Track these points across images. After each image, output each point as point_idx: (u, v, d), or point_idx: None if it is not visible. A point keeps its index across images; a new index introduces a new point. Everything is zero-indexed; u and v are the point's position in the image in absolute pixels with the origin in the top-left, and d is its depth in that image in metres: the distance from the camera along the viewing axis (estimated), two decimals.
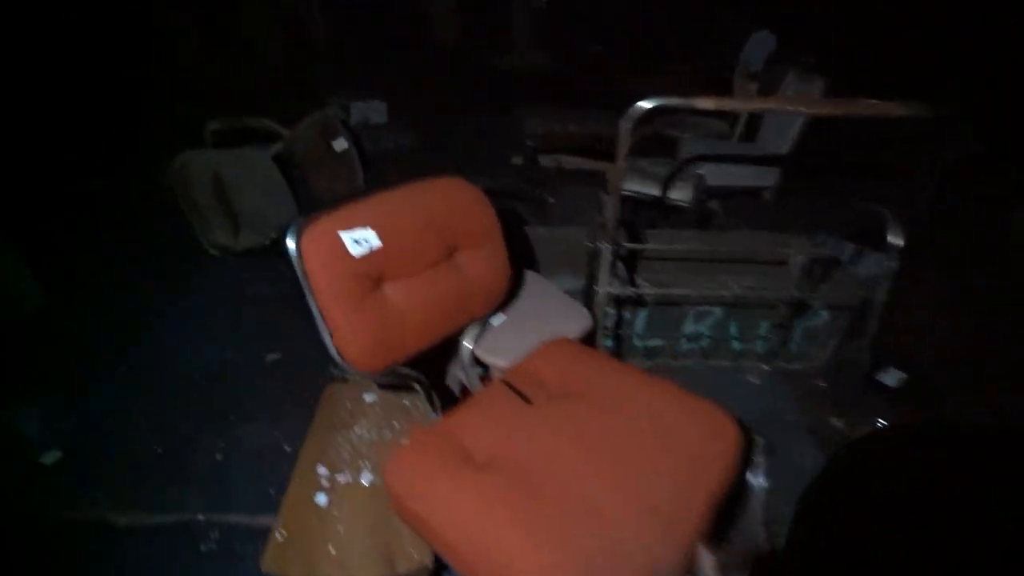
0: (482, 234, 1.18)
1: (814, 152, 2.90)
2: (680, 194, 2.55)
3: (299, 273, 0.97)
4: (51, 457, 1.66)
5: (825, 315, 1.88)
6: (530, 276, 1.55)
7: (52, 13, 3.64)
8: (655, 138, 3.24)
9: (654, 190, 2.47)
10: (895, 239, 1.37)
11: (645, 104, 1.11)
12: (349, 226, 0.98)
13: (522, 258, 1.42)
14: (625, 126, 1.14)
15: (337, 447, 1.34)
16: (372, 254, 0.99)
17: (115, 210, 3.10)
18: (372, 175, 2.65)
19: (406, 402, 1.45)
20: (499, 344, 1.29)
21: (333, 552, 1.10)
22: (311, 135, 2.65)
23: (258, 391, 1.93)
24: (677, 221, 2.64)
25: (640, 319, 1.87)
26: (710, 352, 1.99)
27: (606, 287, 1.42)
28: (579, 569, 0.81)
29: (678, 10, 5.72)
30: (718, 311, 1.87)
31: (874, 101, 1.04)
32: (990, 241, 2.86)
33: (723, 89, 4.40)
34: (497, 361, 1.25)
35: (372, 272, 1.02)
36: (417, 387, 1.18)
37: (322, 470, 1.28)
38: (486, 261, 1.20)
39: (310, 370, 1.93)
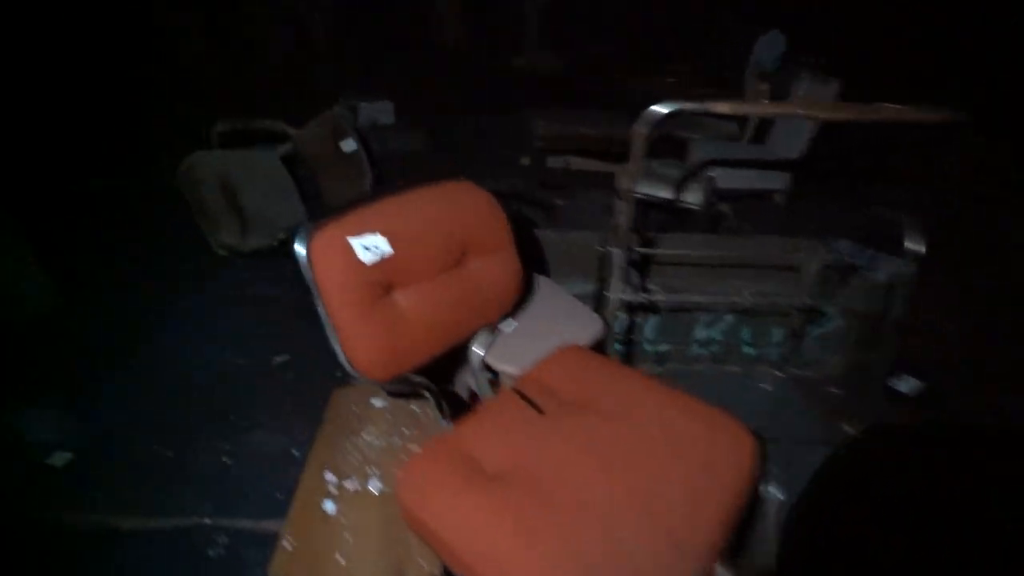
0: (493, 239, 1.16)
1: (825, 155, 2.88)
2: (691, 197, 2.52)
3: (308, 280, 0.95)
4: (60, 459, 1.66)
5: (840, 321, 1.85)
6: (540, 281, 1.53)
7: (54, 14, 3.65)
8: (664, 139, 3.21)
9: (665, 193, 2.44)
10: (914, 245, 1.34)
11: (661, 109, 1.09)
12: (359, 232, 0.97)
13: (532, 262, 1.40)
14: (640, 131, 1.12)
15: (345, 453, 1.33)
16: (383, 261, 0.98)
17: (120, 210, 3.12)
18: (380, 176, 2.64)
19: (415, 408, 1.44)
20: (509, 351, 1.28)
21: (342, 562, 1.09)
22: (320, 136, 2.64)
23: (265, 394, 1.93)
24: (687, 223, 2.62)
25: (650, 324, 1.84)
26: (721, 357, 1.96)
27: (618, 293, 1.40)
28: None
29: (681, 10, 5.68)
30: (730, 316, 1.84)
31: (897, 106, 1.01)
32: (990, 241, 2.82)
33: (729, 88, 4.39)
34: (508, 368, 1.24)
35: (382, 279, 1.00)
36: (427, 394, 1.16)
37: (330, 476, 1.26)
38: (497, 266, 1.18)
39: (317, 372, 1.93)
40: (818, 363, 1.97)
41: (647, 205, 2.57)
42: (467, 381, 1.44)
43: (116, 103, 3.91)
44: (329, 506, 1.20)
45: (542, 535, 0.86)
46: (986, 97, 3.61)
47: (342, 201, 2.50)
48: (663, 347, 1.91)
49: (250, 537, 1.44)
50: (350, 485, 1.24)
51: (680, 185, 2.42)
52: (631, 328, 1.80)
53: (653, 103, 1.13)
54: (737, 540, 1.03)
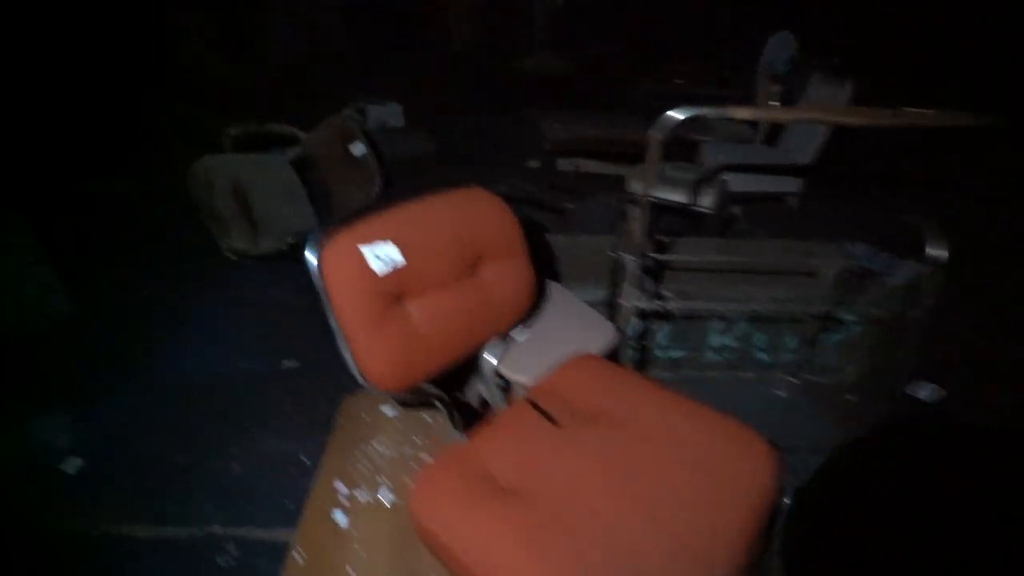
0: (506, 247, 1.15)
1: (838, 158, 2.84)
2: (703, 201, 2.49)
3: (319, 290, 0.94)
4: (72, 465, 1.66)
5: (857, 328, 1.82)
6: (552, 287, 1.51)
7: (62, 14, 3.64)
8: (675, 141, 3.18)
9: (679, 197, 2.41)
10: (937, 251, 1.31)
11: (677, 115, 1.06)
12: (370, 240, 0.95)
13: (543, 268, 1.38)
14: (656, 136, 1.10)
15: (355, 462, 1.31)
16: (394, 271, 0.96)
17: (129, 213, 3.13)
18: (389, 179, 2.63)
19: (426, 416, 1.42)
20: (522, 360, 1.26)
21: (353, 575, 1.07)
22: (329, 139, 2.64)
23: (276, 400, 1.92)
24: (698, 227, 2.59)
25: (664, 330, 1.82)
26: (735, 364, 1.93)
27: (632, 301, 1.38)
28: None
29: (688, 11, 5.64)
30: (744, 323, 1.81)
31: (923, 111, 0.99)
32: (990, 241, 2.78)
33: (735, 89, 4.36)
34: (521, 378, 1.22)
35: (394, 289, 0.99)
36: (438, 404, 1.14)
37: (340, 486, 1.25)
38: (510, 275, 1.16)
39: (327, 378, 1.92)
40: (834, 369, 1.94)
41: (659, 209, 2.54)
42: (478, 389, 1.43)
43: (124, 104, 3.90)
44: (340, 517, 1.18)
45: (556, 552, 0.84)
46: (986, 97, 3.57)
47: (352, 206, 2.52)
48: (676, 354, 1.88)
49: (260, 546, 1.43)
50: (361, 496, 1.23)
51: (694, 189, 2.39)
52: (644, 334, 1.77)
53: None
54: (760, 554, 1.00)
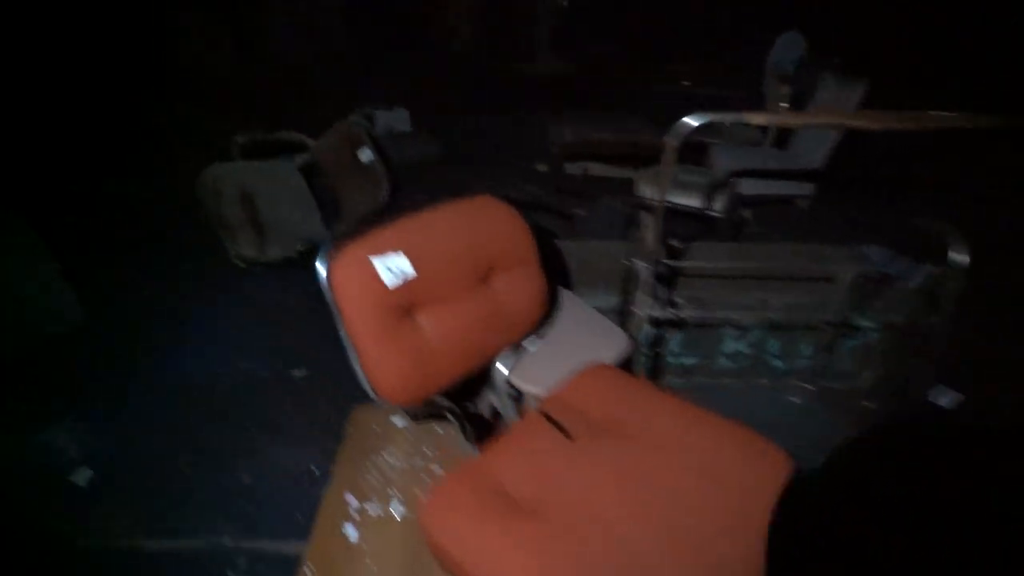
0: (518, 256, 1.13)
1: (848, 160, 2.80)
2: (713, 205, 2.46)
3: (329, 302, 0.93)
4: (83, 476, 1.66)
5: (874, 334, 1.78)
6: (564, 295, 1.49)
7: (70, 18, 3.63)
8: (684, 144, 3.15)
9: (688, 200, 2.38)
10: (959, 256, 1.27)
11: (692, 121, 1.04)
12: (381, 252, 0.94)
13: (554, 275, 1.36)
14: (671, 143, 1.08)
15: (366, 474, 1.30)
16: (405, 283, 0.95)
17: (137, 218, 3.12)
18: (397, 185, 2.62)
19: (436, 427, 1.41)
20: (534, 370, 1.24)
21: None
22: (337, 146, 2.64)
23: (286, 408, 1.91)
24: (708, 230, 2.55)
25: (676, 337, 1.79)
26: (749, 370, 1.90)
27: (646, 309, 1.35)
28: None
29: (694, 12, 5.61)
30: (758, 329, 1.78)
31: (947, 114, 0.96)
32: (990, 241, 2.74)
33: (742, 89, 4.33)
34: (533, 389, 1.20)
35: (405, 302, 0.97)
36: (450, 416, 1.13)
37: (351, 500, 1.24)
38: (522, 284, 1.14)
39: (337, 386, 1.91)
40: (850, 375, 1.90)
41: (670, 213, 2.51)
42: (489, 399, 1.41)
43: (124, 104, 3.86)
44: (351, 532, 1.17)
45: (569, 569, 0.82)
46: (986, 97, 3.53)
47: (360, 211, 2.51)
48: (689, 360, 1.85)
49: (271, 559, 1.42)
50: (372, 509, 1.21)
51: (704, 193, 2.36)
52: (657, 342, 1.75)
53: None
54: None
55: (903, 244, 1.81)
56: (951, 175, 3.38)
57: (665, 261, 1.48)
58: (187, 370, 2.09)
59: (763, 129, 3.28)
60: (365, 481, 1.27)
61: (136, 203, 3.23)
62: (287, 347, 2.18)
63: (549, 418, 1.09)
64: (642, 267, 1.34)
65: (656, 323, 1.49)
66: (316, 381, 2.03)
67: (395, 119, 4.10)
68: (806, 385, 1.90)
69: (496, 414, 1.40)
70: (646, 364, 1.79)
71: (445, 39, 6.00)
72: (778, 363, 1.89)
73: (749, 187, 2.78)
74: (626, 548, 0.86)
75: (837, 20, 4.44)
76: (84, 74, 3.73)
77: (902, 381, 1.76)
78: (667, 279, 1.59)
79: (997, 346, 2.04)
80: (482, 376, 1.27)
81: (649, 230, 1.26)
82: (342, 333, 0.93)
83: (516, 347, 1.26)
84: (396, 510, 1.22)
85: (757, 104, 3.77)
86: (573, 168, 3.67)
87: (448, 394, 1.12)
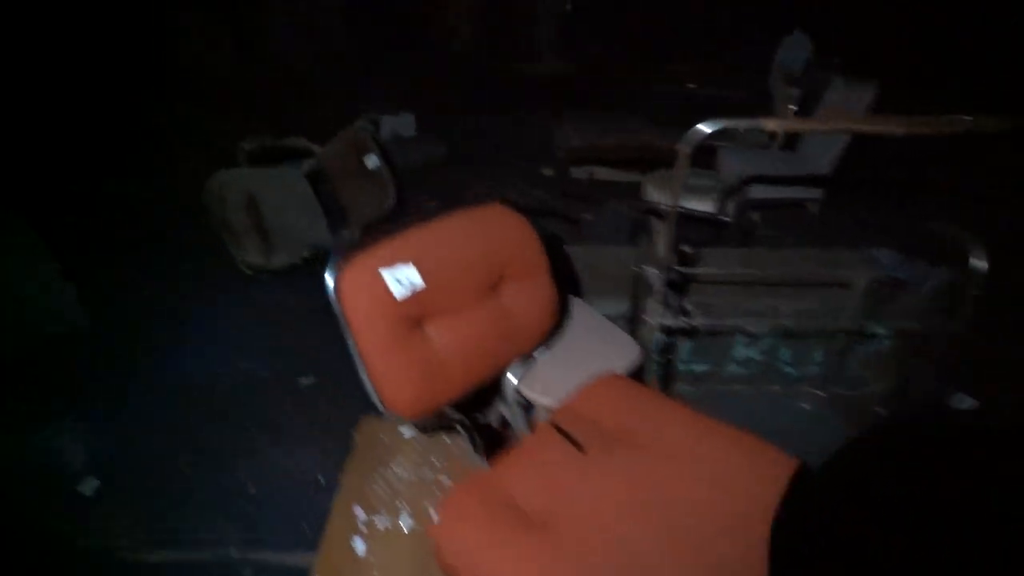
0: (528, 266, 1.11)
1: (858, 163, 2.77)
2: (722, 209, 2.44)
3: (337, 314, 0.91)
4: (89, 486, 1.65)
5: (887, 340, 1.75)
6: (574, 303, 1.47)
7: (71, 19, 3.61)
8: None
9: (697, 205, 2.36)
10: (978, 262, 1.25)
11: (706, 128, 1.02)
12: (391, 263, 0.92)
13: (563, 281, 1.34)
14: (684, 149, 1.06)
15: (374, 486, 1.28)
16: (414, 294, 0.93)
17: (140, 220, 3.12)
18: (402, 190, 2.61)
19: (444, 437, 1.39)
20: (545, 380, 1.22)
21: None
22: (343, 152, 2.63)
23: (292, 416, 1.90)
24: (716, 235, 2.53)
25: (686, 344, 1.77)
26: (760, 377, 1.87)
27: (657, 318, 1.33)
28: None
29: (689, 10, 5.57)
30: (766, 331, 1.76)
31: (966, 118, 0.93)
32: (990, 241, 2.70)
33: (746, 89, 4.29)
34: (543, 400, 1.18)
35: (414, 313, 0.95)
36: (460, 428, 1.11)
37: (359, 512, 1.22)
38: (532, 294, 1.12)
39: (344, 394, 1.90)
40: (863, 382, 1.87)
41: (680, 218, 2.49)
42: (499, 409, 1.39)
43: (124, 105, 3.83)
44: (359, 545, 1.15)
45: None
46: (986, 97, 3.50)
47: (366, 216, 2.50)
48: (700, 367, 1.83)
49: (277, 571, 1.40)
50: (380, 522, 1.20)
51: (713, 197, 2.34)
52: (668, 349, 1.72)
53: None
54: None
55: (914, 248, 1.78)
56: (954, 176, 3.34)
57: (677, 268, 1.45)
58: (189, 373, 2.09)
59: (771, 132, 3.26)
60: (373, 493, 1.26)
61: (136, 203, 3.22)
62: (293, 353, 2.17)
63: (560, 430, 1.07)
64: (653, 274, 1.32)
65: (667, 331, 1.47)
66: (323, 388, 2.02)
67: (400, 124, 4.10)
68: (818, 392, 1.87)
69: (505, 423, 1.38)
70: (657, 372, 1.77)
71: (446, 39, 5.98)
72: (790, 369, 1.86)
73: (758, 191, 2.75)
74: (638, 562, 0.85)
75: (837, 20, 4.41)
76: (84, 74, 3.71)
77: (917, 387, 1.73)
78: (678, 286, 1.56)
79: (997, 346, 2.03)
80: (492, 387, 1.25)
81: (660, 236, 1.24)
82: (350, 345, 0.92)
83: (526, 357, 1.24)
84: (404, 523, 1.20)
85: (760, 104, 3.75)
86: (578, 172, 3.66)
87: (457, 405, 1.10)
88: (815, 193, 2.92)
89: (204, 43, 4.65)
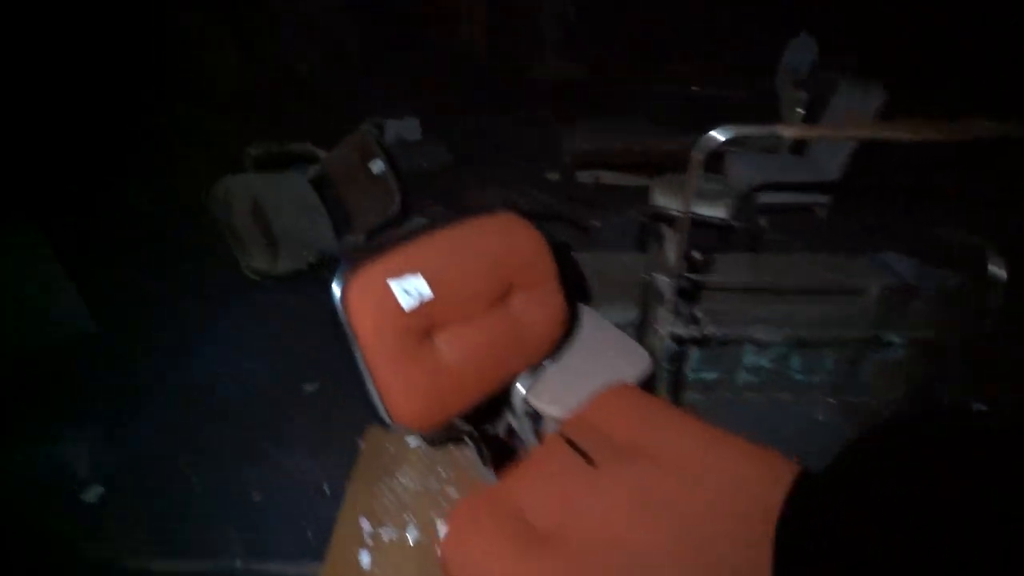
0: (538, 275, 1.09)
1: (866, 167, 2.74)
2: (730, 214, 2.41)
3: (343, 325, 0.89)
4: (94, 494, 1.64)
5: (901, 348, 1.72)
6: (583, 311, 1.45)
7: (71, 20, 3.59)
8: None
9: (703, 210, 2.33)
10: (997, 271, 1.22)
11: (719, 135, 1.00)
12: (399, 274, 0.91)
13: (572, 288, 1.32)
14: (697, 156, 1.04)
15: (380, 497, 1.26)
16: (423, 305, 0.91)
17: (151, 233, 3.12)
18: (408, 195, 2.60)
19: (452, 446, 1.37)
20: (554, 390, 1.20)
21: None
22: (349, 157, 2.62)
23: (297, 424, 1.88)
24: (723, 240, 2.50)
25: (696, 352, 1.74)
26: (771, 385, 1.85)
27: (668, 327, 1.31)
28: None
29: (688, 10, 5.54)
30: (779, 340, 1.73)
31: (989, 123, 0.91)
32: (998, 244, 2.66)
33: (751, 90, 4.26)
34: (552, 410, 1.16)
35: (422, 324, 0.94)
36: (468, 440, 1.09)
37: (365, 524, 1.20)
38: (542, 303, 1.11)
39: (349, 401, 1.88)
40: (875, 390, 1.84)
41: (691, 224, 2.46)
42: (507, 419, 1.37)
43: (131, 110, 3.81)
44: (365, 559, 1.13)
45: None
46: (986, 97, 3.46)
47: (370, 223, 2.48)
48: (710, 375, 1.80)
49: None
50: (386, 534, 1.18)
51: (722, 202, 2.31)
52: (677, 357, 1.70)
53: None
54: None
55: (924, 252, 1.76)
56: (961, 179, 3.31)
57: (687, 275, 1.43)
58: (192, 378, 2.08)
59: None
60: (380, 504, 1.23)
61: (136, 204, 3.19)
62: (299, 360, 2.15)
63: (570, 442, 1.05)
64: (664, 282, 1.30)
65: (678, 340, 1.45)
66: (328, 395, 2.00)
67: (405, 128, 4.09)
68: (829, 399, 1.84)
69: (512, 433, 1.36)
70: (667, 380, 1.74)
71: (450, 41, 5.97)
72: (800, 377, 1.83)
73: (767, 195, 2.73)
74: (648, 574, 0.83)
75: (837, 19, 4.38)
76: (84, 75, 3.70)
77: (931, 395, 1.70)
78: (688, 293, 1.54)
79: (997, 346, 2.01)
80: (500, 396, 1.23)
81: (670, 244, 1.22)
82: (357, 356, 0.90)
83: (535, 366, 1.22)
84: (411, 535, 1.18)
85: (763, 105, 3.73)
86: (584, 176, 3.64)
87: (465, 416, 1.08)
88: (823, 197, 2.89)
89: (205, 43, 4.62)
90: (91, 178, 3.31)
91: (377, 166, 2.45)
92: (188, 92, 4.07)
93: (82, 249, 2.50)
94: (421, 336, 0.94)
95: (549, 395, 1.19)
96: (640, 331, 1.63)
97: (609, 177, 3.58)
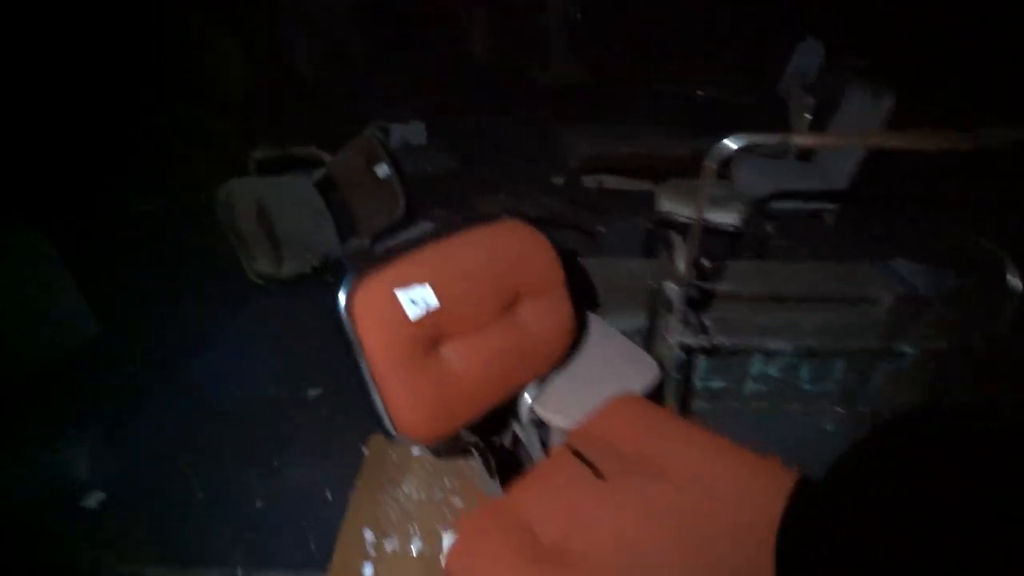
0: (546, 284, 1.07)
1: (875, 172, 2.72)
2: (736, 220, 2.39)
3: (348, 335, 0.88)
4: (94, 500, 1.62)
5: (911, 357, 1.70)
6: (590, 319, 1.43)
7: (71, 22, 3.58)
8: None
9: (710, 216, 2.32)
10: (1013, 280, 1.20)
11: (732, 144, 0.99)
12: (405, 283, 0.89)
13: (579, 296, 1.30)
14: (710, 165, 1.02)
15: (384, 507, 1.25)
16: (429, 314, 0.90)
17: (155, 235, 3.11)
18: (413, 199, 2.59)
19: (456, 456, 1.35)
20: (561, 400, 1.18)
21: None
22: (354, 160, 2.61)
23: (300, 429, 1.87)
24: (730, 246, 2.48)
25: (703, 361, 1.72)
26: (778, 394, 1.82)
27: (677, 336, 1.29)
28: None
29: (688, 10, 5.53)
30: (789, 350, 1.71)
31: (1006, 131, 0.89)
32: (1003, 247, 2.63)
33: (757, 94, 4.23)
34: (559, 421, 1.14)
35: (428, 334, 0.92)
36: (473, 451, 1.07)
37: (369, 535, 1.19)
38: (550, 312, 1.09)
39: (352, 407, 1.86)
40: (886, 399, 1.82)
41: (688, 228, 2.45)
42: (512, 428, 1.35)
43: (125, 107, 3.79)
44: (367, 570, 1.11)
45: None
46: (986, 97, 3.44)
47: (375, 227, 2.47)
48: (717, 384, 1.78)
49: None
50: (389, 545, 1.16)
51: (729, 208, 2.30)
52: (685, 366, 1.68)
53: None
54: None
55: (933, 259, 1.74)
56: (967, 185, 3.28)
57: (696, 283, 1.41)
58: (200, 387, 2.06)
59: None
60: (384, 515, 1.22)
61: (136, 205, 3.20)
62: (302, 366, 2.14)
63: (578, 454, 1.03)
64: (672, 290, 1.28)
65: (687, 349, 1.43)
66: (331, 401, 1.99)
67: (410, 132, 4.09)
68: (838, 408, 1.82)
69: (516, 441, 1.34)
70: (675, 389, 1.72)
71: (453, 44, 5.96)
72: (809, 386, 1.81)
73: (773, 201, 2.71)
74: None
75: (837, 19, 4.36)
76: (88, 77, 3.69)
77: (943, 403, 1.68)
78: (696, 302, 1.52)
79: (996, 346, 1.99)
80: (505, 406, 1.22)
81: (679, 251, 1.20)
82: (362, 367, 0.88)
83: (542, 376, 1.20)
84: (414, 545, 1.16)
85: (767, 108, 3.71)
86: (588, 180, 3.62)
87: (471, 427, 1.06)
88: (832, 203, 2.87)
89: (205, 43, 4.62)
90: (92, 179, 3.31)
91: (382, 170, 2.45)
92: (188, 92, 4.06)
93: (83, 250, 2.49)
94: (427, 346, 0.92)
95: (555, 405, 1.17)
96: (647, 339, 1.61)
97: (612, 181, 3.56)
